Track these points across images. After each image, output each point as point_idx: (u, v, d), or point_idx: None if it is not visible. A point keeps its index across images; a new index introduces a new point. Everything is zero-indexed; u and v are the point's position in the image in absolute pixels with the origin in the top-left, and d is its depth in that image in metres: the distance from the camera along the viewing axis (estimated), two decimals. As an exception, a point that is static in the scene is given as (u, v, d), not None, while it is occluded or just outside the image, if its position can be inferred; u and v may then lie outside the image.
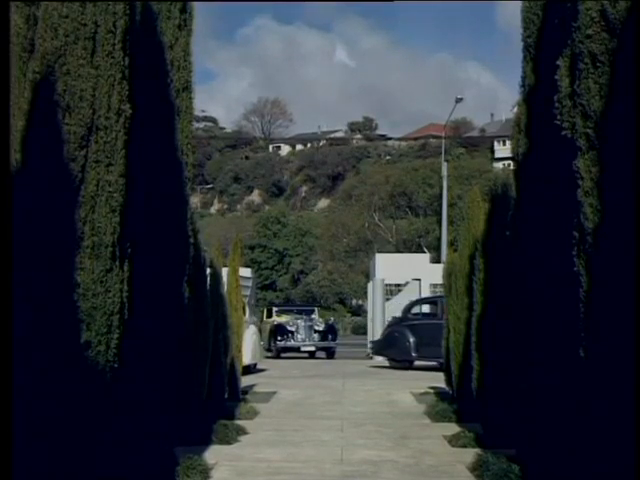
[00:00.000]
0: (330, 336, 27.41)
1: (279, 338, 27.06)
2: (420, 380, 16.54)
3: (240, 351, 13.22)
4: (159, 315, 5.81)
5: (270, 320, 28.87)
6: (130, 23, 5.42)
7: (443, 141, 46.02)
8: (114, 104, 5.25)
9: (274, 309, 30.50)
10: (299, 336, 27.11)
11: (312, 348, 27.35)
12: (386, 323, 26.14)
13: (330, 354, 27.22)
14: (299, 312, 29.59)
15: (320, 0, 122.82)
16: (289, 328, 27.18)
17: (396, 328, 21.99)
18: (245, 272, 21.20)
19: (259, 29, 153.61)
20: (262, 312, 30.84)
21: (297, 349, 27.37)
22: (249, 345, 18.38)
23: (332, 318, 32.82)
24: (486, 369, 8.68)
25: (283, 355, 27.07)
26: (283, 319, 28.31)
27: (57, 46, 5.09)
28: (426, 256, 30.69)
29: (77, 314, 4.87)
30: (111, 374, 5.18)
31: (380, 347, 22.84)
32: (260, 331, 28.96)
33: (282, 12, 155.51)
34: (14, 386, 3.91)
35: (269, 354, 27.00)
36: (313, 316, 29.05)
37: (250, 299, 22.51)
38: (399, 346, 21.43)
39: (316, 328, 27.41)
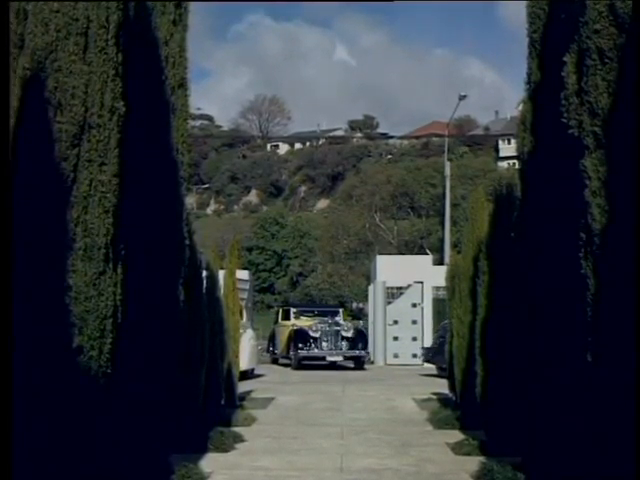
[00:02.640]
0: (360, 344, 24.04)
1: (300, 346, 23.63)
2: (423, 386, 16.53)
3: (237, 356, 13.22)
4: (154, 319, 5.79)
5: (287, 323, 25.54)
6: (123, 18, 5.41)
7: (446, 140, 45.94)
8: (107, 102, 5.24)
9: (292, 310, 26.78)
10: (324, 344, 23.72)
11: (339, 358, 24.10)
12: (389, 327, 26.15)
13: (359, 364, 24.05)
14: (321, 314, 26.12)
15: (317, 0, 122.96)
16: (312, 334, 23.76)
17: (444, 334, 20.26)
18: (242, 274, 21.17)
19: (255, 26, 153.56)
20: (276, 313, 27.94)
21: (322, 359, 24.04)
22: (246, 350, 18.38)
23: (361, 322, 28.36)
24: (490, 375, 8.66)
25: (305, 365, 23.85)
26: (304, 322, 24.95)
27: (48, 42, 5.08)
28: (428, 258, 30.67)
29: (69, 318, 4.85)
30: (104, 380, 5.17)
31: (429, 354, 21.70)
32: (274, 335, 26.56)
33: (277, 11, 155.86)
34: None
35: (287, 362, 24.72)
36: (338, 319, 25.62)
37: (247, 302, 22.50)
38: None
39: (343, 334, 24.00)
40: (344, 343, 23.86)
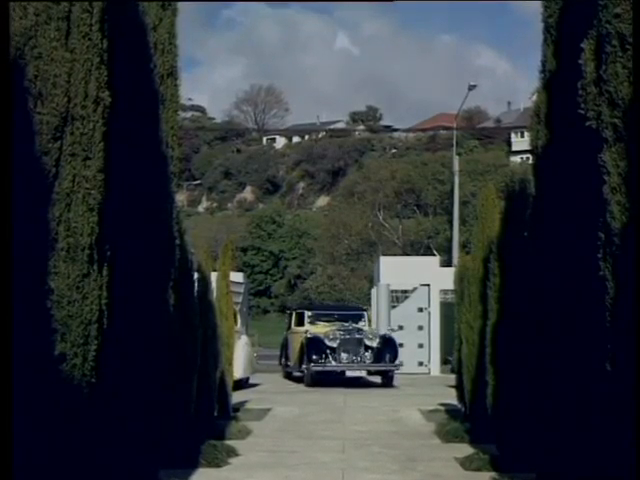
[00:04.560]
0: (388, 356, 20.89)
1: (314, 358, 20.55)
2: (429, 396, 16.52)
3: (231, 364, 13.21)
4: (141, 324, 5.79)
5: (301, 330, 22.50)
6: (109, 1, 5.40)
7: (455, 132, 45.99)
8: (91, 91, 5.22)
9: (306, 313, 23.49)
10: (343, 355, 20.70)
11: (362, 373, 21.52)
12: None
13: (388, 380, 21.00)
14: (342, 318, 22.74)
15: (317, 0, 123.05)
16: (328, 343, 20.74)
17: None
18: (236, 277, 21.19)
19: (248, 12, 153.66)
20: (289, 317, 24.90)
21: (341, 374, 21.26)
22: (241, 357, 18.39)
23: (392, 328, 24.71)
24: (502, 384, 8.66)
25: (321, 380, 20.54)
26: (320, 329, 21.83)
27: (27, 26, 5.06)
28: (435, 259, 30.71)
29: (50, 323, 4.84)
30: (88, 390, 5.15)
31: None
32: (286, 344, 24.22)
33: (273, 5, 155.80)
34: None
35: (299, 374, 21.90)
36: (362, 324, 22.62)
37: (242, 307, 22.48)
38: None
39: (367, 343, 20.93)
40: (368, 354, 20.86)
